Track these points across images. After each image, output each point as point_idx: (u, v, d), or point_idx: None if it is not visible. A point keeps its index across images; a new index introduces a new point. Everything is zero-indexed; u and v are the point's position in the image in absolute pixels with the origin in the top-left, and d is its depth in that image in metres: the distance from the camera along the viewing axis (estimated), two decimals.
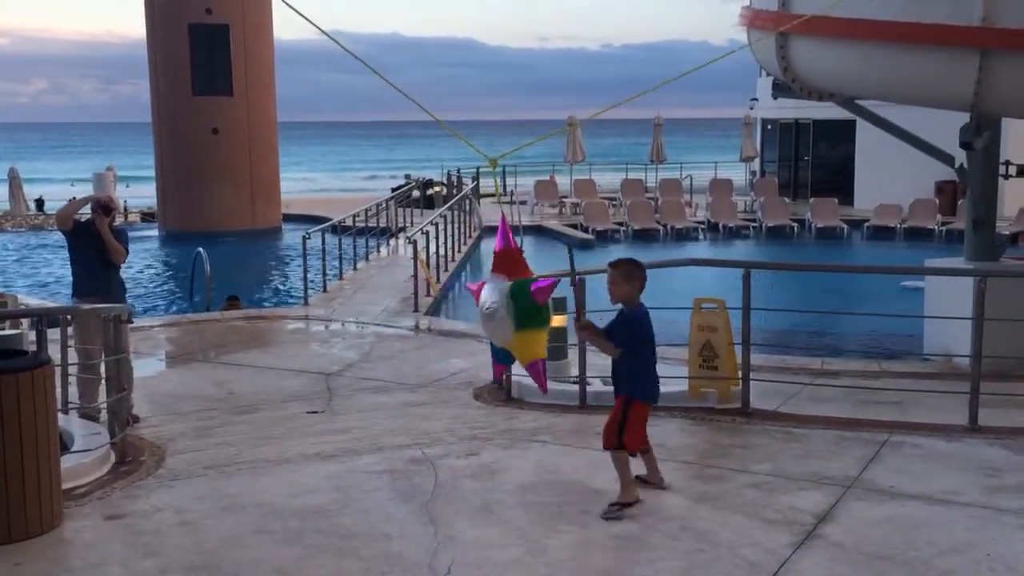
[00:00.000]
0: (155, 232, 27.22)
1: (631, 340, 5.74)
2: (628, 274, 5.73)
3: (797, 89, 10.94)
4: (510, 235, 5.57)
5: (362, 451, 7.03)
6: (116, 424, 7.05)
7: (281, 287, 19.11)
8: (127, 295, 8.77)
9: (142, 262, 21.66)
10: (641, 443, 5.87)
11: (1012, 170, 10.97)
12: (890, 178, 26.19)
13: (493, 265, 5.58)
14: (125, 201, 32.05)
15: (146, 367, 10.38)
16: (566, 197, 29.11)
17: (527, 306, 5.28)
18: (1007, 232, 12.16)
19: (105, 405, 7.36)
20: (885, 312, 11.66)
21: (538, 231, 25.26)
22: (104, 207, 8.22)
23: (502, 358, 5.75)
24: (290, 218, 27.92)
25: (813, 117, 29.70)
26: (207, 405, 8.80)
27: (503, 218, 5.68)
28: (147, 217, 30.30)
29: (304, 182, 62.36)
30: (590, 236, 23.94)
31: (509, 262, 5.48)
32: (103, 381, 7.55)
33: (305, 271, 14.81)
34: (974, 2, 8.85)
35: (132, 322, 8.46)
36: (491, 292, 5.34)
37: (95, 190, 8.37)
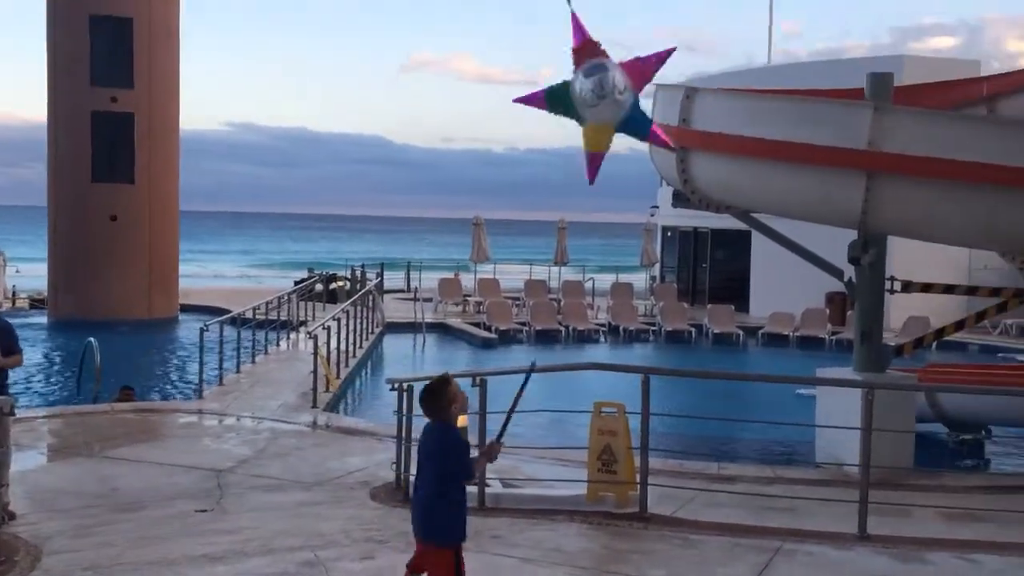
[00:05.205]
0: (44, 319, 26.32)
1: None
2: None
3: (696, 201, 11.32)
4: (585, 29, 5.82)
5: (252, 553, 6.80)
6: None
7: (176, 379, 18.58)
8: (8, 386, 8.43)
9: (28, 350, 20.84)
10: None
11: (897, 285, 11.44)
12: (783, 287, 27.04)
13: (576, 61, 5.78)
14: (14, 286, 31.00)
15: (26, 461, 9.93)
16: (470, 296, 29.25)
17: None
18: (893, 344, 12.60)
19: None
20: (779, 419, 11.91)
21: (442, 328, 25.27)
22: None
23: (632, 129, 5.98)
24: (188, 309, 27.34)
25: (711, 226, 30.66)
26: (89, 502, 8.42)
27: (574, 15, 5.88)
28: (36, 304, 29.28)
29: (206, 275, 61.27)
30: (493, 335, 24.02)
31: (586, 53, 5.77)
32: None
33: (201, 363, 14.46)
34: (861, 127, 9.36)
35: (14, 414, 8.11)
36: (621, 79, 5.64)
37: None
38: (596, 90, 5.75)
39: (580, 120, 5.90)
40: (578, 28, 5.91)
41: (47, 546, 6.94)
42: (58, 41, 25.37)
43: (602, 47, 5.87)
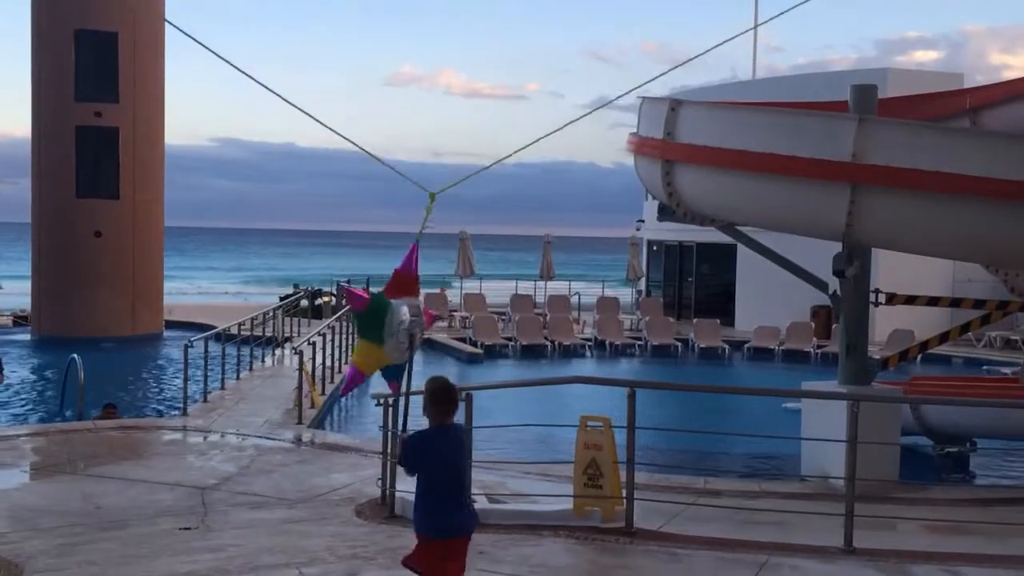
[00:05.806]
0: (27, 336, 26.14)
1: (413, 461, 5.38)
2: (426, 394, 5.41)
3: (681, 214, 11.34)
4: (415, 264, 5.93)
5: (236, 571, 6.75)
6: None
7: (160, 396, 18.47)
8: None
9: (10, 367, 20.69)
10: None
11: (882, 298, 11.47)
12: (768, 301, 27.14)
13: (391, 285, 5.89)
14: None
15: (8, 479, 9.87)
16: (456, 311, 29.22)
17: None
18: (878, 357, 12.64)
19: None
20: (765, 432, 11.92)
21: (427, 344, 25.19)
22: None
23: (392, 374, 6.03)
24: (173, 324, 27.21)
25: (696, 240, 30.75)
26: (71, 520, 8.34)
27: (415, 247, 6.04)
28: (19, 320, 29.09)
29: (191, 291, 61.05)
30: (478, 350, 23.99)
31: (405, 284, 5.84)
32: None
33: (186, 380, 14.38)
34: (845, 138, 9.39)
35: None
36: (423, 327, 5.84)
37: None
38: (411, 331, 5.86)
39: (374, 340, 5.90)
40: (411, 259, 6.05)
41: (29, 565, 6.87)
42: (42, 55, 25.28)
43: (419, 285, 6.06)
